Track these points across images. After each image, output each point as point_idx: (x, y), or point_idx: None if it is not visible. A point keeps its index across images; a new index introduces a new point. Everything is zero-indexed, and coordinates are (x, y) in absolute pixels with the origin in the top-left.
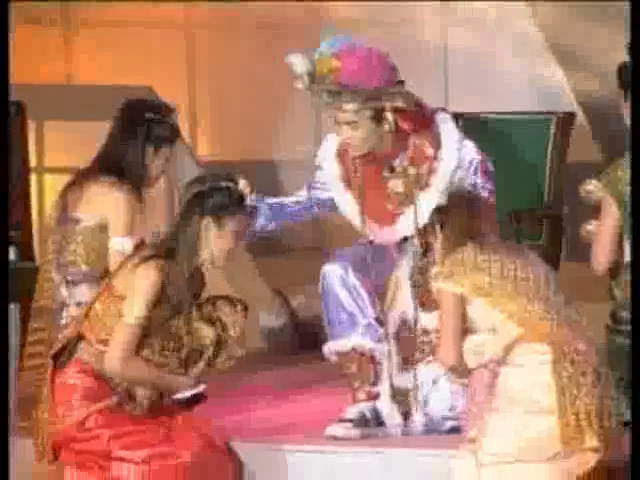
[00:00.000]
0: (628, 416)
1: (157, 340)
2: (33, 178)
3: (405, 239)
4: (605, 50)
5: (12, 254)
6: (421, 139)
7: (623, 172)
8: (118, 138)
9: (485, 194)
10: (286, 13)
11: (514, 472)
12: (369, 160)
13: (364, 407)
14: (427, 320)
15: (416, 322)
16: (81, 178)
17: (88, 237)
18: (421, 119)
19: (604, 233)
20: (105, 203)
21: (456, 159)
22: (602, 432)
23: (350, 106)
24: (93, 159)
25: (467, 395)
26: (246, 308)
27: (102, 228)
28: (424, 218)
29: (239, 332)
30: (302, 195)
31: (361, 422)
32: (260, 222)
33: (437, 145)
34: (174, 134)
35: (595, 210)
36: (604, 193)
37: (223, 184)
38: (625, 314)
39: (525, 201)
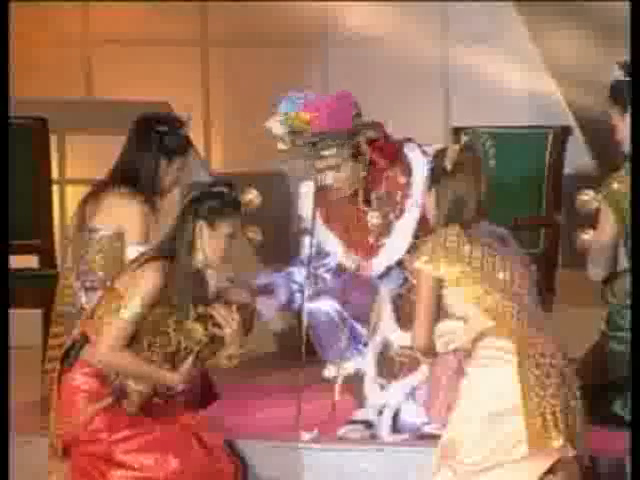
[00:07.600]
0: (627, 415)
1: (146, 336)
2: (55, 189)
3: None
4: (600, 67)
5: (35, 262)
6: (394, 170)
7: (619, 184)
8: (132, 151)
9: None
10: (298, 29)
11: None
12: (349, 197)
13: (371, 411)
14: (406, 340)
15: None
16: (98, 190)
17: (105, 246)
18: (392, 152)
19: (601, 242)
20: (121, 213)
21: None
22: (568, 431)
23: (329, 151)
24: (109, 171)
25: (432, 379)
26: (242, 308)
27: (118, 237)
28: (402, 248)
29: (235, 330)
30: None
31: (368, 424)
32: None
33: (409, 173)
34: (186, 145)
35: (589, 219)
36: (602, 204)
37: (216, 189)
38: (619, 320)
39: (524, 210)
